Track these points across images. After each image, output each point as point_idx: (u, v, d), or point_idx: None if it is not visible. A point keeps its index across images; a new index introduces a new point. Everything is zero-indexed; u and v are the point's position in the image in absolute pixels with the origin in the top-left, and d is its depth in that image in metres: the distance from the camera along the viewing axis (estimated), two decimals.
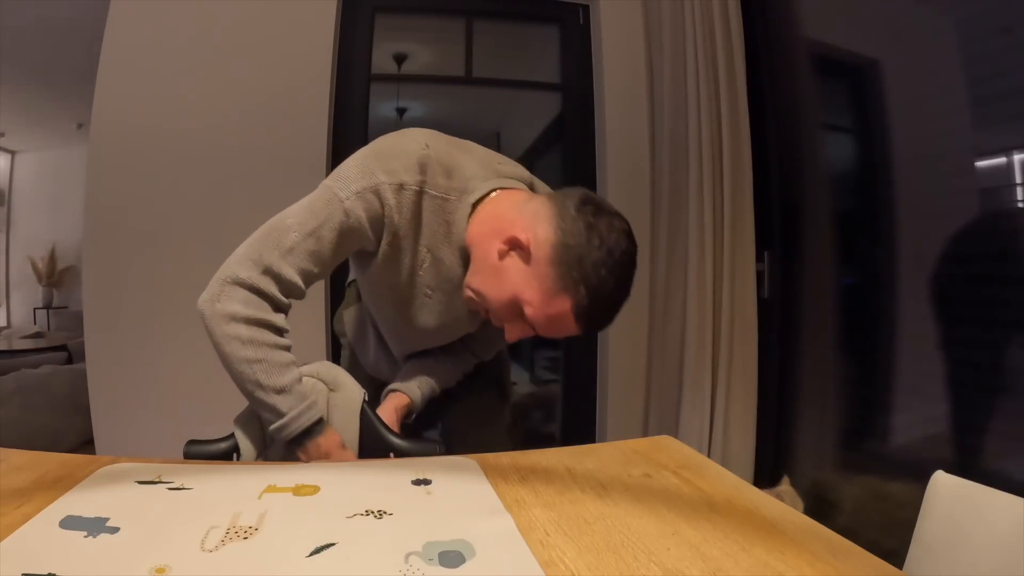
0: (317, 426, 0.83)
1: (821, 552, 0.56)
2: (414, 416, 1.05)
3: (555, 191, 0.87)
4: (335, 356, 1.40)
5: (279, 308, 0.83)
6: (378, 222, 0.84)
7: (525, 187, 0.94)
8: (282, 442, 0.84)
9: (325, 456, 0.83)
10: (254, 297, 0.80)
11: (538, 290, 0.80)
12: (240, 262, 0.80)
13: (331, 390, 0.94)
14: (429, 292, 0.93)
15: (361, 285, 1.03)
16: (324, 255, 0.83)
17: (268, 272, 0.80)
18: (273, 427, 0.82)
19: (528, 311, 0.82)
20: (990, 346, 1.44)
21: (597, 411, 2.27)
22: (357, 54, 2.14)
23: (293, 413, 0.81)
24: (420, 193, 0.85)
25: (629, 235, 0.81)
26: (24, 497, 0.60)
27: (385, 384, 1.09)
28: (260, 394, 0.80)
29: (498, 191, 0.89)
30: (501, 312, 0.86)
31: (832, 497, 1.74)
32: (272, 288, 0.81)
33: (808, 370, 2.01)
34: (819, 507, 1.76)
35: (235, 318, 0.78)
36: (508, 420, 1.27)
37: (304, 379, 0.87)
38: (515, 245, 0.82)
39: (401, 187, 0.83)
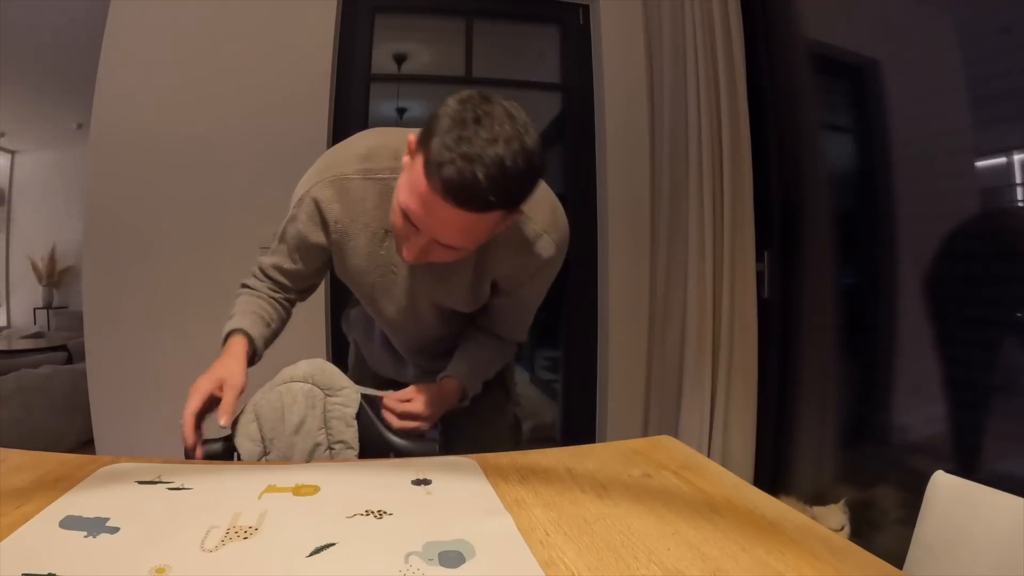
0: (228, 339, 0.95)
1: (821, 552, 0.56)
2: (468, 400, 1.05)
3: None
4: (341, 355, 1.40)
5: (271, 284, 1.04)
6: (318, 218, 0.94)
7: None
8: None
9: (207, 380, 0.90)
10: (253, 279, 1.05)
11: (408, 172, 0.76)
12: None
13: (327, 395, 0.93)
14: (395, 269, 0.96)
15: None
16: (291, 252, 0.99)
17: (261, 267, 1.04)
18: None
19: (400, 197, 0.77)
20: (989, 346, 1.44)
21: (597, 411, 2.26)
22: (357, 54, 2.14)
23: (225, 330, 0.96)
24: (363, 180, 0.91)
25: (521, 121, 0.76)
26: (24, 497, 0.60)
27: (389, 380, 1.12)
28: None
29: None
30: (395, 224, 0.81)
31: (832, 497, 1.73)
32: (272, 275, 1.03)
33: (808, 370, 2.01)
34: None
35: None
36: (512, 419, 1.27)
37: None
38: (409, 148, 0.78)
39: (334, 180, 0.91)
